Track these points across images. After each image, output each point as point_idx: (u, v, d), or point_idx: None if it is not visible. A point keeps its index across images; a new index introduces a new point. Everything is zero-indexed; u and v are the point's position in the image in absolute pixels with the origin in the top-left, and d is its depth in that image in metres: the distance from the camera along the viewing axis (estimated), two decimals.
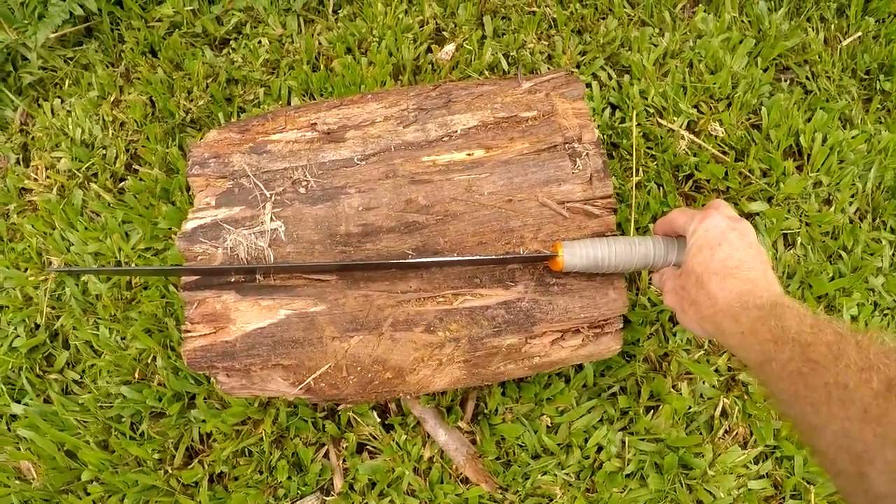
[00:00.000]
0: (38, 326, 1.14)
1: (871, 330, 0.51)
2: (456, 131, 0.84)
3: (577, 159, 0.84)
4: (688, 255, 0.69)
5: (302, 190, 0.82)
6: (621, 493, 0.99)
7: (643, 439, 1.02)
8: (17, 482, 1.03)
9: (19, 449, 1.04)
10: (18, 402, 1.08)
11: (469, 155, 0.84)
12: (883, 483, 0.43)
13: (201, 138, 0.89)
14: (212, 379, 0.86)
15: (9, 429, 1.07)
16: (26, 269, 1.17)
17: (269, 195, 0.82)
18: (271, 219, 0.82)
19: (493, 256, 0.81)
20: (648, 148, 1.21)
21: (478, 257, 0.81)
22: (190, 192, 1.01)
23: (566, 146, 0.84)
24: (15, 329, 1.12)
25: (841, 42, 1.33)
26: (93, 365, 1.09)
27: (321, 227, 0.81)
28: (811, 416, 0.49)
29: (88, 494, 1.01)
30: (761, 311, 0.58)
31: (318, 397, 0.84)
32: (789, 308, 0.56)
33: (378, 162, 0.83)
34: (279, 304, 0.80)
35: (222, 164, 0.85)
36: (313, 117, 0.87)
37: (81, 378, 1.10)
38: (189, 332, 0.81)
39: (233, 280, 0.82)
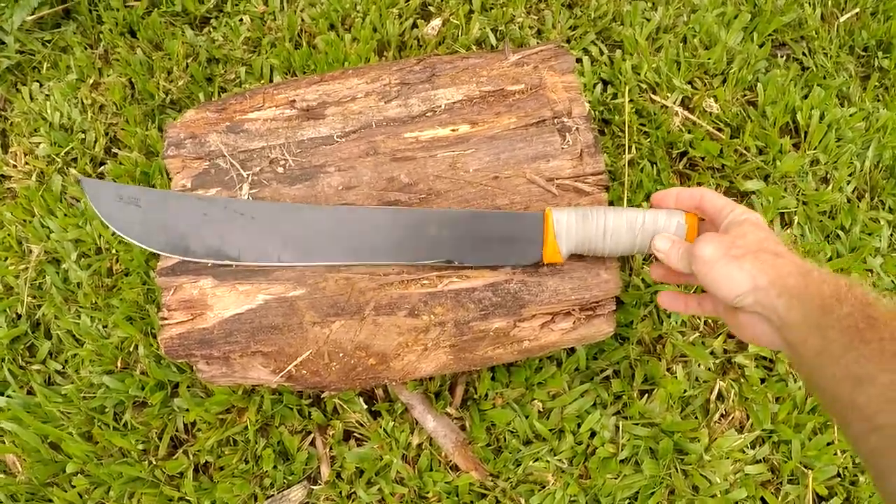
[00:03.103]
0: (19, 317, 1.11)
1: None
2: (440, 106, 0.81)
3: (567, 134, 0.81)
4: (731, 224, 0.66)
5: (280, 169, 0.80)
6: (615, 479, 0.97)
7: (637, 424, 1.00)
8: (1, 476, 1.01)
9: (3, 442, 1.02)
10: (1, 394, 1.06)
11: (453, 130, 0.81)
12: None
13: (179, 119, 0.86)
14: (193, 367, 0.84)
15: None
16: (6, 259, 1.14)
17: (245, 175, 0.80)
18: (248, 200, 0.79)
19: None
20: (641, 125, 1.18)
21: None
22: (170, 176, 0.98)
23: (555, 121, 0.81)
24: None
25: (838, 18, 1.30)
26: (75, 355, 1.07)
27: None
28: (857, 369, 0.51)
29: (74, 487, 0.99)
30: (824, 274, 0.59)
31: (301, 385, 0.81)
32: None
33: (359, 139, 0.80)
34: (257, 288, 0.78)
35: (198, 145, 0.82)
36: (292, 94, 0.84)
37: (64, 368, 1.08)
38: (166, 319, 0.79)
39: (210, 264, 0.79)
